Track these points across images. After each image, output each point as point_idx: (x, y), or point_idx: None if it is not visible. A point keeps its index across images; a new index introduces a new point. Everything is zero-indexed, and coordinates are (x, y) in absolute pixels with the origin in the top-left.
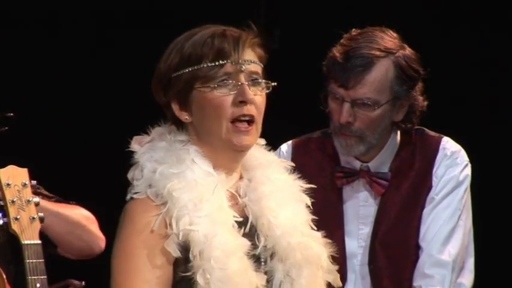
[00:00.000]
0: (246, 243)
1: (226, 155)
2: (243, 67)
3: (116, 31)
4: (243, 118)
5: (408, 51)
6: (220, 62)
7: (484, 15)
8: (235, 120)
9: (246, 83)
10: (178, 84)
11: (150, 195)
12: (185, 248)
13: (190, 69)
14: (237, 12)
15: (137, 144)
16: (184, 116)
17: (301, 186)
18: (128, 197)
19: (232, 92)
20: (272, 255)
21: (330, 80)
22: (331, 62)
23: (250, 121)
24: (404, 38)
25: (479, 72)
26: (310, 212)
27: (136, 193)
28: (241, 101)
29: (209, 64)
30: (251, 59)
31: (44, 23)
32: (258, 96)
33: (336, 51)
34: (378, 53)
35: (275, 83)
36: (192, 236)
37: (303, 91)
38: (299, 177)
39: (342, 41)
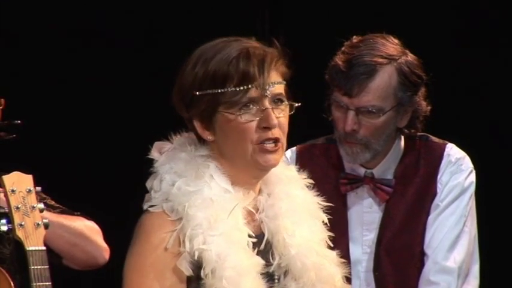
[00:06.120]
0: (259, 262)
1: (250, 173)
2: (267, 92)
3: (126, 36)
4: (268, 142)
5: (410, 57)
6: (245, 87)
7: (488, 18)
8: (261, 142)
9: (270, 107)
10: (201, 105)
11: (165, 210)
12: (198, 265)
13: (214, 91)
14: (241, 18)
15: (157, 152)
16: (207, 135)
17: (319, 204)
18: (144, 207)
19: (256, 118)
20: (286, 273)
21: (334, 88)
22: (334, 71)
23: (276, 141)
24: (405, 44)
25: (483, 77)
26: (327, 229)
27: (152, 206)
28: (266, 126)
29: (233, 88)
30: (275, 81)
31: (49, 28)
32: (281, 118)
33: (339, 60)
34: (380, 60)
35: (299, 104)
36: (204, 255)
37: (307, 97)
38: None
39: (343, 49)
